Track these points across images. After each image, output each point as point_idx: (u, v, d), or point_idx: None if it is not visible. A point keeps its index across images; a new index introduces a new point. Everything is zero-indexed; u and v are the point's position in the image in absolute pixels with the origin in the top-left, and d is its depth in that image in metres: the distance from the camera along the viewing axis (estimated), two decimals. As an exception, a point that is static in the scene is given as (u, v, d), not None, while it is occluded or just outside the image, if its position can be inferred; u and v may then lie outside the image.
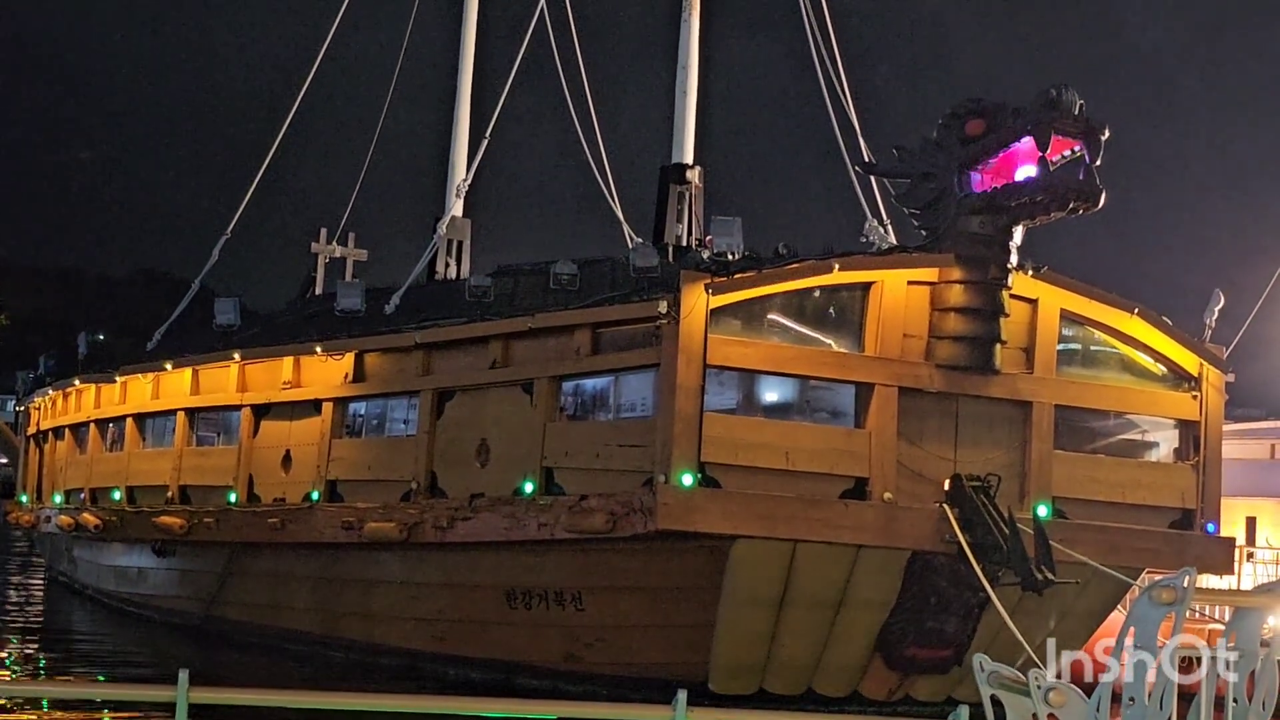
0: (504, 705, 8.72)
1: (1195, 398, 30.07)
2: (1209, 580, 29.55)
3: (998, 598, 24.96)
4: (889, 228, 34.72)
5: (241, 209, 42.31)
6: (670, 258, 31.07)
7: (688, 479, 25.52)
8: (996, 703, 8.23)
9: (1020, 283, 27.82)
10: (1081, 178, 25.80)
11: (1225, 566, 29.46)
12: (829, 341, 27.52)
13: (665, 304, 25.80)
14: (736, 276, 26.31)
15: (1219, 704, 7.97)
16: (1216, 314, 29.86)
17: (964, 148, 26.64)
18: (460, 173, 38.87)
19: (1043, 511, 27.65)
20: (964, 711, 8.04)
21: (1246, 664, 7.95)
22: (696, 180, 36.16)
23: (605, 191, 41.35)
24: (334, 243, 43.82)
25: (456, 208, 38.56)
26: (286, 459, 34.98)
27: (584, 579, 27.48)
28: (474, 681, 28.63)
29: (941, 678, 26.77)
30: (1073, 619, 27.42)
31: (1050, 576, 25.49)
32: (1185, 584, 7.50)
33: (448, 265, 38.58)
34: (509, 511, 28.33)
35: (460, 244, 39.21)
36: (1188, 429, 30.33)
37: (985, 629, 26.29)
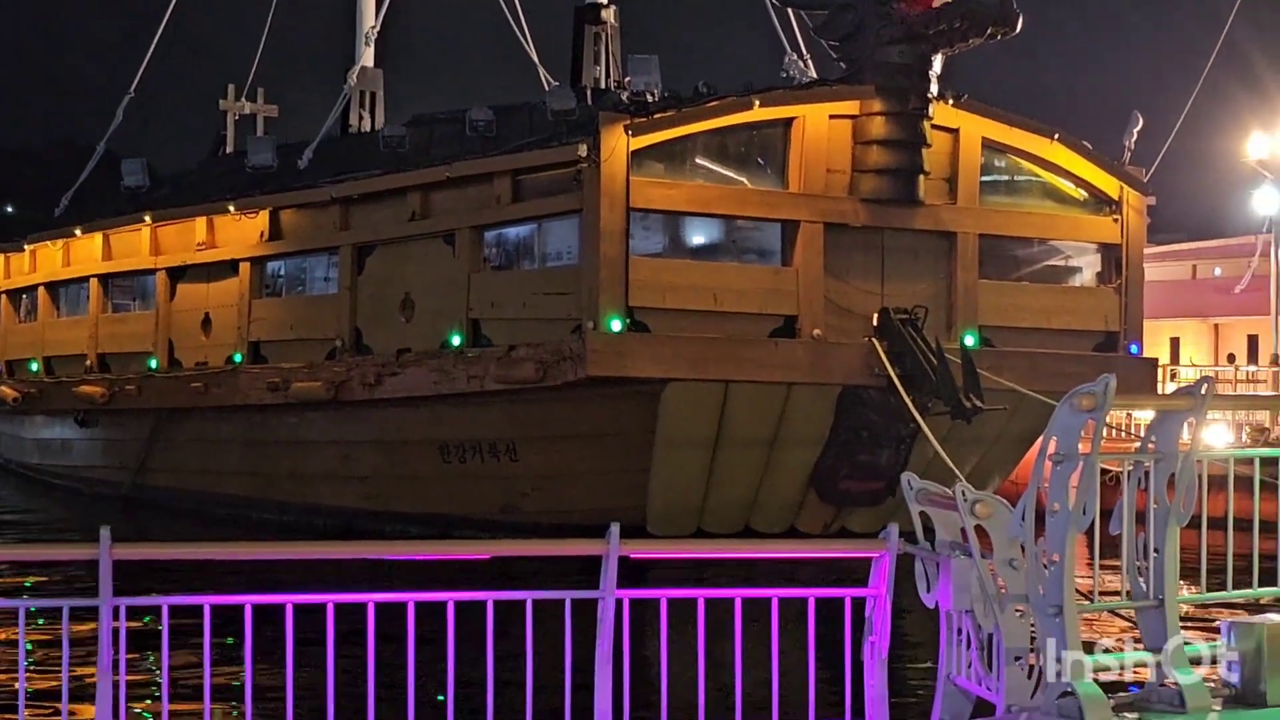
0: (435, 548, 8.87)
1: (1116, 221, 30.50)
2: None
3: (928, 427, 25.49)
4: (809, 61, 34.74)
5: (144, 66, 41.76)
6: (588, 100, 31.00)
7: (616, 324, 25.75)
8: (926, 520, 8.50)
9: (941, 112, 28.00)
10: (998, 2, 25.92)
11: (1149, 386, 30.11)
12: (752, 181, 27.65)
13: (585, 147, 25.83)
14: (656, 116, 26.35)
15: (1138, 512, 8.31)
16: (1135, 136, 30.21)
17: (885, -24, 26.62)
18: (369, 19, 38.43)
19: (970, 341, 28.13)
20: (894, 529, 8.32)
21: (1166, 467, 8.27)
22: (612, 20, 35.93)
23: (519, 35, 41.02)
24: (243, 99, 43.25)
25: (367, 57, 38.18)
26: (206, 322, 34.93)
27: (517, 429, 27.78)
28: (411, 536, 28.98)
29: (875, 509, 27.36)
30: (1002, 445, 28.05)
31: (979, 404, 26.03)
32: (1105, 390, 7.79)
33: (361, 117, 38.28)
34: (437, 365, 28.50)
35: (373, 95, 38.87)
36: (1110, 253, 30.80)
37: (917, 459, 26.83)
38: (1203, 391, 8.10)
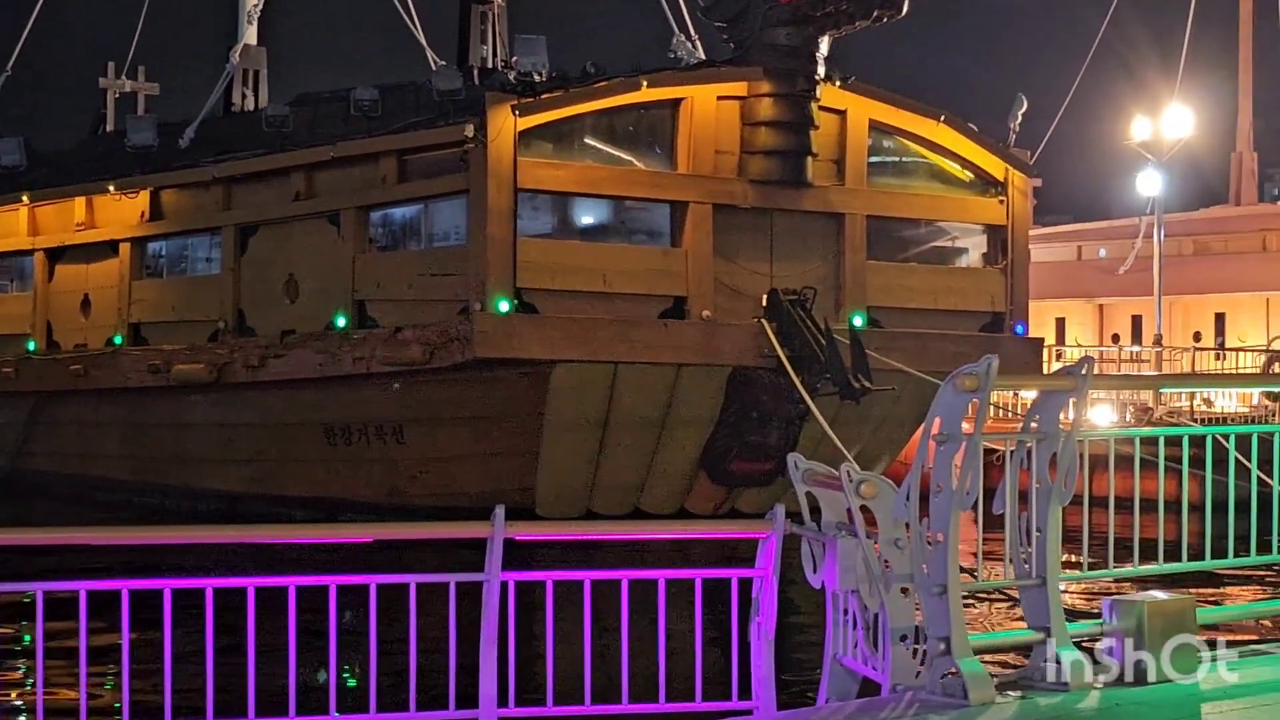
0: (317, 531, 8.78)
1: (1002, 202, 30.85)
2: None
3: (817, 408, 25.67)
4: (697, 42, 34.82)
5: (20, 44, 41.00)
6: (475, 80, 30.85)
7: (504, 305, 25.69)
8: (812, 501, 8.54)
9: (829, 94, 28.16)
10: (885, -16, 26.11)
11: (1035, 366, 30.51)
12: (641, 162, 27.68)
13: (471, 127, 25.72)
14: (543, 96, 26.28)
15: (1021, 492, 8.40)
16: (1020, 118, 30.57)
17: (770, -43, 26.72)
18: (252, -3, 37.90)
19: (858, 322, 28.35)
20: (780, 510, 8.34)
21: (1048, 447, 8.36)
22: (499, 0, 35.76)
23: (405, 14, 40.70)
24: (123, 77, 42.59)
25: (250, 34, 37.72)
26: (85, 303, 34.40)
27: (403, 412, 27.64)
28: (297, 520, 28.73)
29: (765, 490, 27.51)
30: (890, 425, 28.30)
31: (867, 385, 26.24)
32: (987, 371, 7.86)
33: (244, 96, 37.81)
34: (322, 347, 28.28)
35: (256, 73, 38.40)
36: (996, 234, 31.15)
37: (806, 440, 27.01)
38: (1084, 372, 8.20)
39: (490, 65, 34.40)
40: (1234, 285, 51.93)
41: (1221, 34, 62.88)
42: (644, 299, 27.09)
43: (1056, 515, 8.32)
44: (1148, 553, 9.49)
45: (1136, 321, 53.69)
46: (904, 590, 8.06)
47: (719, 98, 27.56)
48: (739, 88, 27.53)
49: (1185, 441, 10.06)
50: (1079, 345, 50.40)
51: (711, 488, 27.84)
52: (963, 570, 8.58)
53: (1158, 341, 43.21)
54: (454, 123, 26.50)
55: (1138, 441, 9.71)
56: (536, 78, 27.22)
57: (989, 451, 8.65)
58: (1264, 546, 9.90)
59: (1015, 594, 8.62)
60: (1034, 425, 8.42)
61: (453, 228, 27.37)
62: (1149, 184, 46.74)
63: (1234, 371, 41.75)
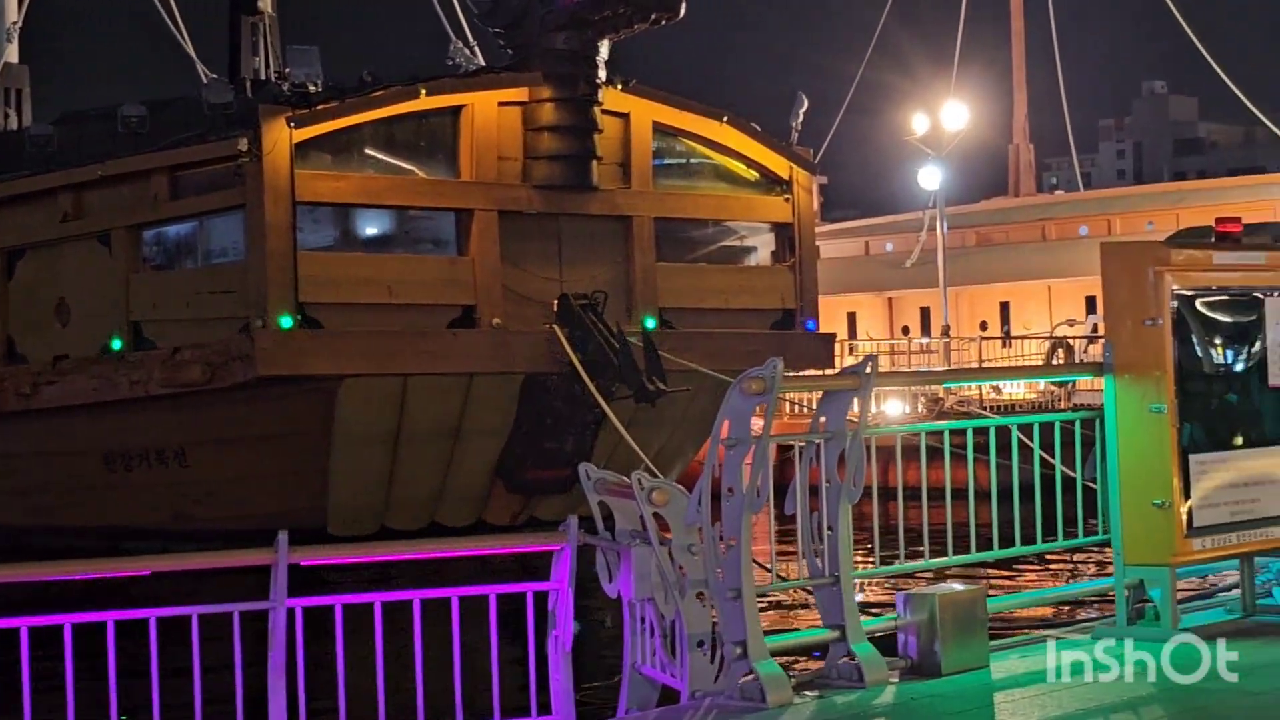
0: (88, 566, 8.44)
1: (788, 201, 31.26)
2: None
3: (612, 412, 25.74)
4: (476, 49, 34.71)
5: None
6: (248, 93, 30.37)
7: (286, 321, 25.32)
8: (606, 510, 8.55)
9: (611, 97, 28.26)
10: (661, -12, 26.31)
11: (827, 360, 30.95)
12: (424, 171, 27.52)
13: (245, 141, 25.30)
14: (319, 108, 25.98)
15: (813, 489, 8.49)
16: (801, 117, 31.02)
17: (546, -37, 26.75)
18: (11, 14, 36.94)
19: (650, 324, 28.49)
20: (573, 521, 8.34)
21: (836, 444, 8.47)
22: (270, 10, 35.25)
23: (173, 27, 39.98)
24: (-126, 98, 41.08)
25: (11, 53, 36.72)
26: None
27: (185, 434, 27.11)
28: (80, 550, 27.95)
29: (563, 497, 27.46)
30: (687, 426, 28.50)
31: (661, 386, 26.40)
32: (773, 373, 7.93)
33: (7, 116, 36.77)
34: (97, 372, 27.62)
35: (19, 92, 37.39)
36: (783, 232, 31.55)
37: (603, 444, 27.09)
38: (868, 371, 8.32)
39: (263, 78, 33.90)
40: (1017, 274, 53.33)
41: (994, 29, 64.65)
42: (432, 309, 26.91)
43: (847, 513, 8.44)
44: (951, 542, 9.69)
45: (925, 313, 54.86)
46: (699, 596, 8.10)
47: (500, 104, 27.49)
48: (520, 93, 27.50)
49: (970, 434, 10.28)
50: (870, 338, 51.39)
51: (509, 497, 27.77)
52: (761, 566, 8.67)
53: (945, 332, 44.22)
54: (227, 137, 26.04)
55: (923, 436, 9.90)
56: (311, 89, 26.91)
57: (786, 448, 8.75)
58: (1060, 531, 10.16)
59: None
60: (821, 424, 8.53)
61: (230, 244, 26.90)
62: (930, 178, 47.79)
63: (1020, 361, 42.87)
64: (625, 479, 8.28)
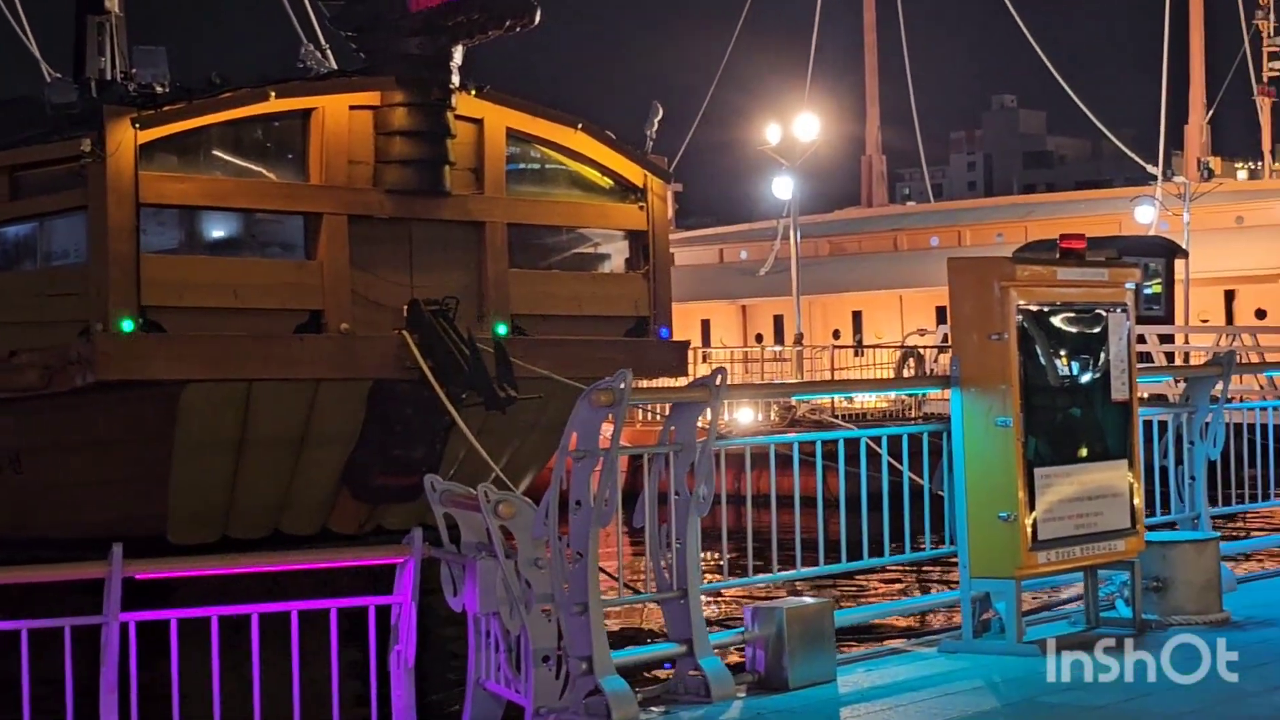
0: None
1: (642, 208, 31.28)
2: (667, 383, 31.14)
3: (463, 419, 25.58)
4: (328, 52, 34.36)
5: None
6: (93, 93, 29.77)
7: (128, 325, 24.85)
8: (451, 522, 8.47)
9: (465, 103, 28.10)
10: (517, -6, 26.23)
11: (680, 369, 31.02)
12: (273, 174, 27.17)
13: (89, 142, 24.77)
14: (165, 109, 25.51)
15: (662, 499, 8.47)
16: (656, 125, 31.08)
17: (399, -34, 26.56)
18: None
19: (502, 330, 28.37)
20: (418, 534, 8.25)
21: (686, 456, 8.46)
22: (116, 10, 34.59)
23: (17, 26, 39.13)
24: None
25: None
26: None
27: (20, 440, 26.50)
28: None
29: (411, 505, 27.18)
30: (539, 433, 28.39)
31: (512, 393, 26.27)
32: (622, 385, 7.90)
33: None
34: (-71, 376, 26.88)
35: None
36: (637, 239, 31.57)
37: (452, 452, 26.90)
38: (717, 383, 8.31)
39: (109, 78, 33.28)
40: (869, 284, 54.05)
41: (849, 41, 65.39)
42: (278, 314, 26.53)
43: (695, 526, 8.42)
44: (800, 554, 9.71)
45: (779, 321, 55.37)
46: (545, 610, 8.04)
47: (351, 107, 27.20)
48: (372, 97, 27.24)
49: (819, 445, 10.33)
50: (724, 346, 51.73)
51: (355, 505, 27.47)
52: (610, 576, 8.63)
53: (799, 340, 44.59)
54: (69, 137, 25.48)
55: (773, 448, 9.93)
56: (158, 89, 26.44)
57: (635, 458, 8.71)
58: (907, 543, 10.23)
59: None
60: (671, 435, 8.51)
61: (72, 246, 26.33)
62: (783, 188, 48.23)
63: (871, 369, 43.36)
64: (471, 491, 8.19)
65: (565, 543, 7.99)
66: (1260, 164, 72.00)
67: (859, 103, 64.41)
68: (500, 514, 7.92)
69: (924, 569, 22.85)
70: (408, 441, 27.06)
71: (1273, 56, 66.88)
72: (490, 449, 24.96)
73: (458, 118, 27.86)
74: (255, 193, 26.81)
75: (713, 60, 65.53)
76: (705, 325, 57.21)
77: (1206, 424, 11.93)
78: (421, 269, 28.06)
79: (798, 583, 10.32)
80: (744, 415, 35.28)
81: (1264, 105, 66.94)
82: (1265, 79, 66.74)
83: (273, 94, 26.39)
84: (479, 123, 28.85)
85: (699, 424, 8.50)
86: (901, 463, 10.25)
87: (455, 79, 27.34)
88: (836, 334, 54.66)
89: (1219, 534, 11.14)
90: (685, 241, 61.22)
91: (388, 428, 26.95)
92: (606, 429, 8.05)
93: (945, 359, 34.50)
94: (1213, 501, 12.47)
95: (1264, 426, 13.76)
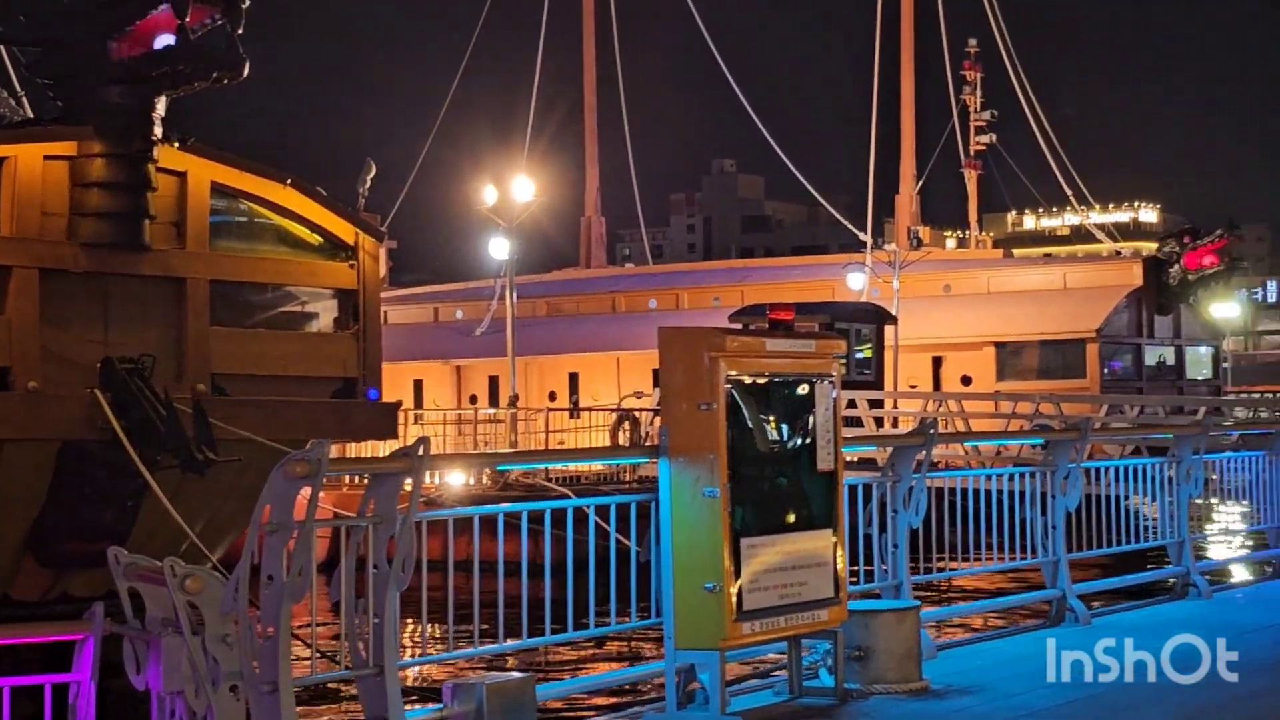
0: None
1: (353, 267, 30.94)
2: (381, 447, 30.84)
3: (158, 482, 24.88)
4: (23, 98, 33.35)
5: None
6: None
7: None
8: (135, 595, 8.21)
9: (167, 155, 27.46)
10: (224, 47, 25.82)
11: (390, 431, 30.71)
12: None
13: None
14: None
15: (361, 568, 8.33)
16: (369, 182, 30.84)
17: (99, 14, 25.94)
18: None
19: (201, 389, 27.74)
20: (99, 609, 7.98)
21: (386, 529, 8.35)
22: None
23: None
24: None
25: None
26: None
27: None
28: None
29: (100, 570, 26.23)
30: (238, 497, 27.76)
31: (211, 456, 25.66)
32: (319, 456, 7.76)
33: None
34: None
35: None
36: (347, 298, 31.18)
37: (147, 515, 26.14)
38: (420, 453, 8.23)
39: None
40: (586, 345, 54.39)
41: (570, 102, 66.02)
42: (-37, 371, 25.54)
43: (394, 601, 8.31)
44: (503, 624, 9.62)
45: (494, 382, 55.26)
46: (234, 689, 7.83)
47: (46, 157, 26.39)
48: (68, 147, 26.44)
49: (525, 516, 10.28)
50: (437, 407, 51.39)
51: (39, 571, 26.42)
52: (306, 644, 8.43)
53: (514, 402, 44.59)
54: None
55: (477, 519, 9.86)
56: None
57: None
58: (613, 613, 10.23)
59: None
60: (370, 508, 8.39)
61: None
62: (499, 248, 48.37)
63: (587, 430, 43.60)
64: (157, 564, 7.96)
65: (257, 618, 7.80)
66: (968, 233, 74.90)
67: (580, 163, 65.09)
68: (188, 589, 7.71)
69: (634, 639, 22.95)
70: (99, 505, 26.18)
71: (979, 131, 69.92)
72: (188, 511, 24.31)
73: (160, 170, 27.25)
74: (-63, 245, 25.78)
75: (429, 117, 65.53)
76: (418, 385, 56.83)
77: (911, 490, 12.25)
78: (118, 325, 27.29)
79: (505, 655, 10.25)
80: (455, 479, 35.11)
81: (971, 177, 69.91)
82: (973, 152, 69.73)
83: (-39, 141, 25.46)
84: (182, 176, 28.23)
85: (402, 493, 8.40)
86: (611, 527, 10.27)
87: (158, 130, 26.77)
88: (553, 395, 54.83)
89: (919, 602, 11.41)
90: (399, 299, 60.86)
91: (78, 490, 26.05)
92: (306, 493, 7.91)
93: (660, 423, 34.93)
94: (914, 569, 12.77)
95: (964, 491, 14.13)
